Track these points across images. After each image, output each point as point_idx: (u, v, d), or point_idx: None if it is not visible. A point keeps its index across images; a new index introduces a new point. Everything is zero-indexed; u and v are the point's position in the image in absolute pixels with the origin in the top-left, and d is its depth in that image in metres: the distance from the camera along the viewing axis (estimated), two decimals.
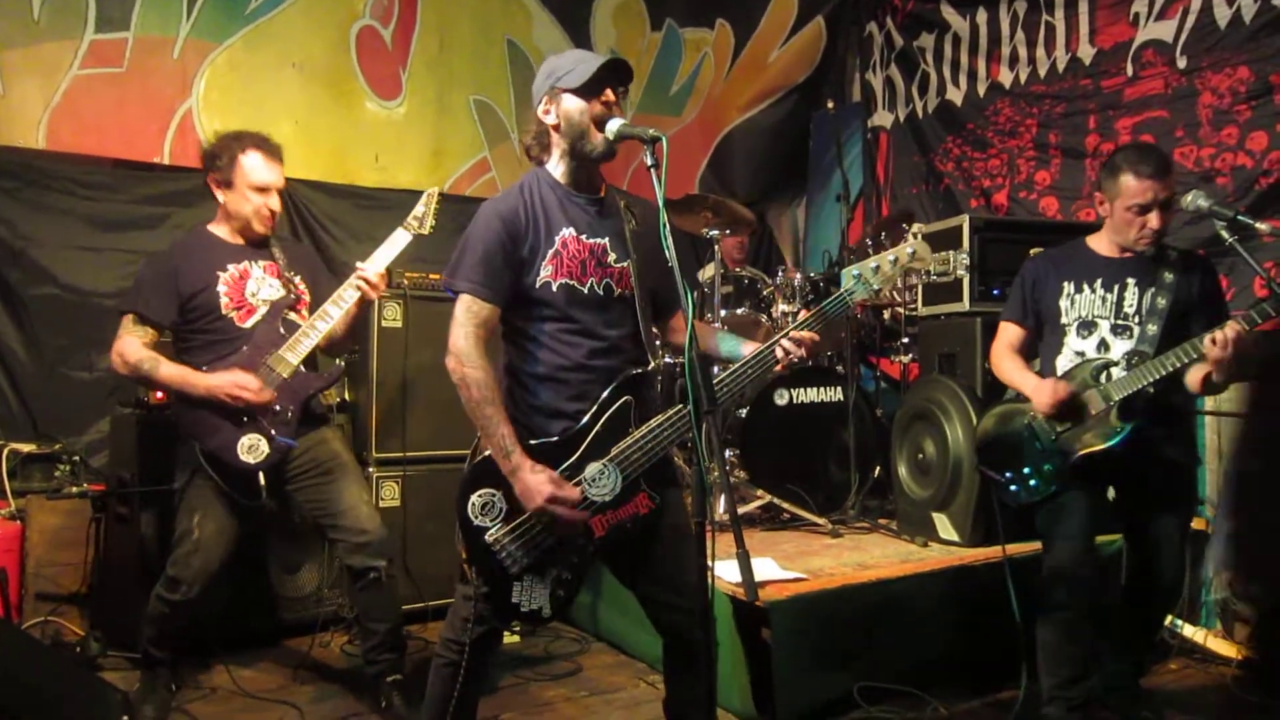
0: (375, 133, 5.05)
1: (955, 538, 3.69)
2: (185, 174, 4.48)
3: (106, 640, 3.48)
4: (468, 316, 2.15)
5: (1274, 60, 3.87)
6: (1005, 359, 3.12)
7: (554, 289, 2.19)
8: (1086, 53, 4.73)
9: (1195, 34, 4.19)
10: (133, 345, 2.93)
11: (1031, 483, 2.95)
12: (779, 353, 2.23)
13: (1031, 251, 3.33)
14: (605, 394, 2.16)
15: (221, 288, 2.99)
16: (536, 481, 2.05)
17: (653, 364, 2.26)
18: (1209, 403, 4.03)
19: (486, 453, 2.12)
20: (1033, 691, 2.89)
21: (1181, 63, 4.24)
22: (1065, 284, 3.01)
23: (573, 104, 2.17)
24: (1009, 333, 3.15)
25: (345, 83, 4.95)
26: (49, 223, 4.19)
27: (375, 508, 3.31)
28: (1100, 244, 3.01)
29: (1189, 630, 3.71)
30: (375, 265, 3.04)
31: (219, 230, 3.10)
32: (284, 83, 4.75)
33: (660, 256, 2.00)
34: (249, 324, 3.00)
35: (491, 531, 2.11)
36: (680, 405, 2.12)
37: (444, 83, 5.25)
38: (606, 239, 2.25)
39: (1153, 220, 2.82)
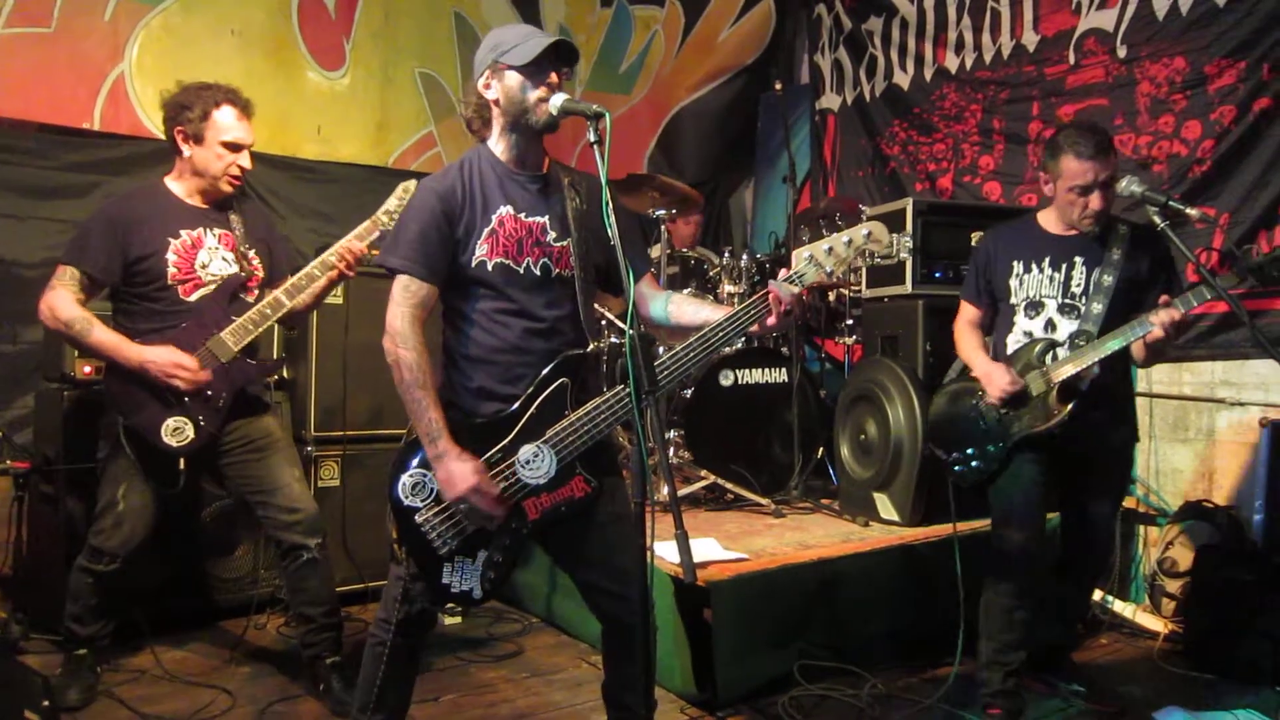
0: (317, 104, 4.92)
1: (895, 517, 3.73)
2: (117, 141, 4.35)
3: (29, 623, 3.38)
4: (405, 296, 2.10)
5: (1208, 51, 3.96)
6: (963, 336, 3.16)
7: (489, 268, 2.14)
8: (1030, 40, 4.79)
9: (1135, 24, 4.26)
10: (65, 300, 2.76)
11: (974, 464, 2.99)
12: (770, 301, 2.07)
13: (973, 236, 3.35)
14: (541, 376, 2.13)
15: (171, 255, 2.84)
16: (461, 470, 2.01)
17: (592, 346, 2.23)
18: (1141, 383, 4.14)
19: None
20: (964, 671, 2.96)
21: (1122, 52, 4.32)
22: (1015, 263, 3.03)
23: (515, 81, 2.12)
24: (967, 311, 3.19)
25: (286, 51, 4.81)
26: None
27: (307, 486, 3.22)
28: (1050, 221, 3.04)
29: (1119, 605, 3.81)
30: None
31: (176, 188, 2.93)
32: (222, 49, 4.60)
33: (608, 233, 1.95)
34: (193, 298, 2.86)
35: (422, 512, 2.08)
36: (619, 387, 2.07)
37: (389, 55, 5.14)
38: (546, 218, 2.21)
39: (1094, 201, 2.85)
